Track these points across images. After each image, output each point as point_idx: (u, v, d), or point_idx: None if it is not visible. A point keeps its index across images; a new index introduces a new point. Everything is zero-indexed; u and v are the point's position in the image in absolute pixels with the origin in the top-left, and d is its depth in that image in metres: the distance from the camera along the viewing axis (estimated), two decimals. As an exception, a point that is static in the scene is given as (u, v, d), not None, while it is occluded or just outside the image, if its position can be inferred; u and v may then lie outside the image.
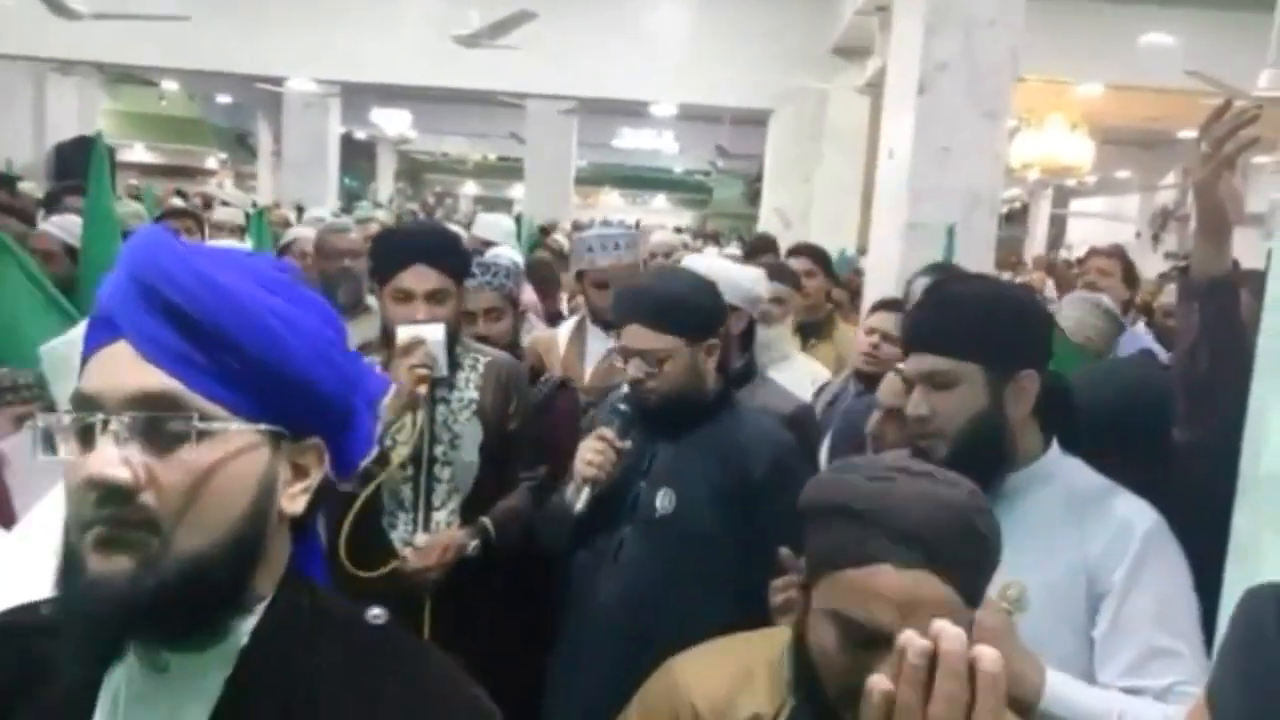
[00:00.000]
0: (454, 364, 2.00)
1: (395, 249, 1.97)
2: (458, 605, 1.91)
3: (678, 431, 1.77)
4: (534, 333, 2.86)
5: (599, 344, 2.52)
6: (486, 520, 1.98)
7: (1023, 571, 1.21)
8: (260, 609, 0.72)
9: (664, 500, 1.72)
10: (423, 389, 1.86)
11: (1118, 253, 3.46)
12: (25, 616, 0.76)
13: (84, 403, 0.67)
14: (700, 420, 1.77)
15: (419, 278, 1.90)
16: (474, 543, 1.94)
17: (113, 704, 0.71)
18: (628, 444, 1.72)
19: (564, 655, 1.85)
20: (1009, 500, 1.28)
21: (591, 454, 1.68)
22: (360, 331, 2.34)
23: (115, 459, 0.64)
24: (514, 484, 2.06)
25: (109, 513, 0.65)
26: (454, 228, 2.77)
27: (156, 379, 0.66)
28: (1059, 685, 1.13)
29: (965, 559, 0.94)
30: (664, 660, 1.20)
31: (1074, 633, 1.23)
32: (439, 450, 1.97)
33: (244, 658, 0.71)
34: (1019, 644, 1.13)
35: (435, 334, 1.88)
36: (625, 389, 1.81)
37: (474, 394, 2.00)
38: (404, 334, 1.87)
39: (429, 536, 1.94)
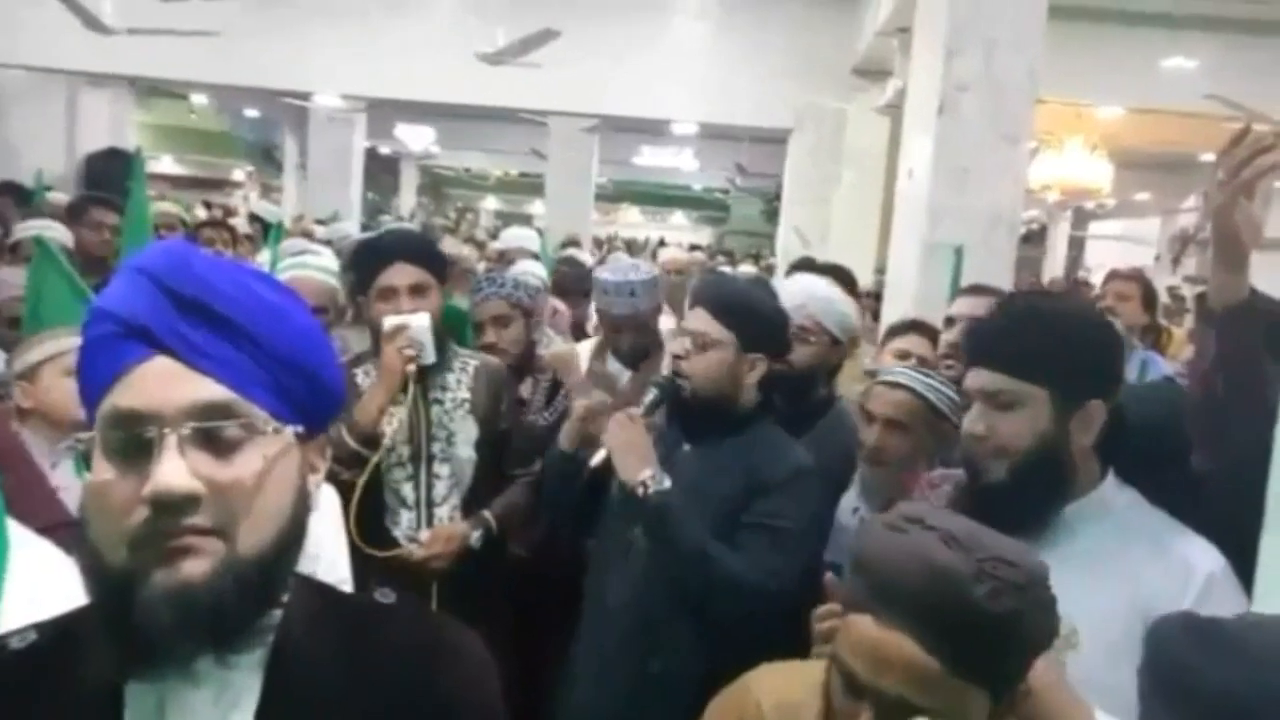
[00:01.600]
0: (444, 365, 2.08)
1: (375, 252, 2.10)
2: (462, 596, 1.97)
3: (704, 436, 1.78)
4: (553, 347, 2.90)
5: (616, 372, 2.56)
6: (488, 513, 2.08)
7: (1076, 608, 1.15)
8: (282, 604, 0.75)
9: None
10: (411, 368, 1.96)
11: (1137, 276, 3.47)
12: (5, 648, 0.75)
13: (133, 419, 0.67)
14: (728, 430, 1.76)
15: (400, 273, 2.02)
16: (476, 534, 2.05)
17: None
18: (652, 420, 1.77)
19: (576, 653, 1.88)
20: (1064, 532, 1.24)
21: (618, 426, 1.72)
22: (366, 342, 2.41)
23: (183, 470, 0.66)
24: (510, 481, 2.17)
25: (173, 524, 0.66)
26: (481, 238, 2.83)
27: (213, 389, 0.69)
28: None
29: (948, 629, 0.86)
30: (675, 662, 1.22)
31: (1129, 674, 1.12)
32: (436, 448, 2.06)
33: (275, 654, 0.73)
34: (1068, 692, 1.08)
35: (420, 320, 1.99)
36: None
37: (465, 394, 2.10)
38: (389, 322, 1.99)
39: (431, 531, 2.03)
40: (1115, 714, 1.06)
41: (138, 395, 0.68)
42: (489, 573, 2.08)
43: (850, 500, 1.96)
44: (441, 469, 2.06)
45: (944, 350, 2.26)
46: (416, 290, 2.02)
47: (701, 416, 1.77)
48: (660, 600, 1.71)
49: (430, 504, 2.05)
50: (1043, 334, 1.24)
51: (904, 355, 2.37)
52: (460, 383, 2.11)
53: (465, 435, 2.08)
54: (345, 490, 1.85)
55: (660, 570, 1.70)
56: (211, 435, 0.68)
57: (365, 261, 2.10)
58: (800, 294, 2.20)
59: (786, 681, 1.11)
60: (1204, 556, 1.20)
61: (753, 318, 1.77)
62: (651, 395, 1.78)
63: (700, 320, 1.76)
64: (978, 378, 1.28)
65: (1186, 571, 1.18)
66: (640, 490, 1.67)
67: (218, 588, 0.66)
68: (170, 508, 0.65)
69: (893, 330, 2.56)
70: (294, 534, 0.73)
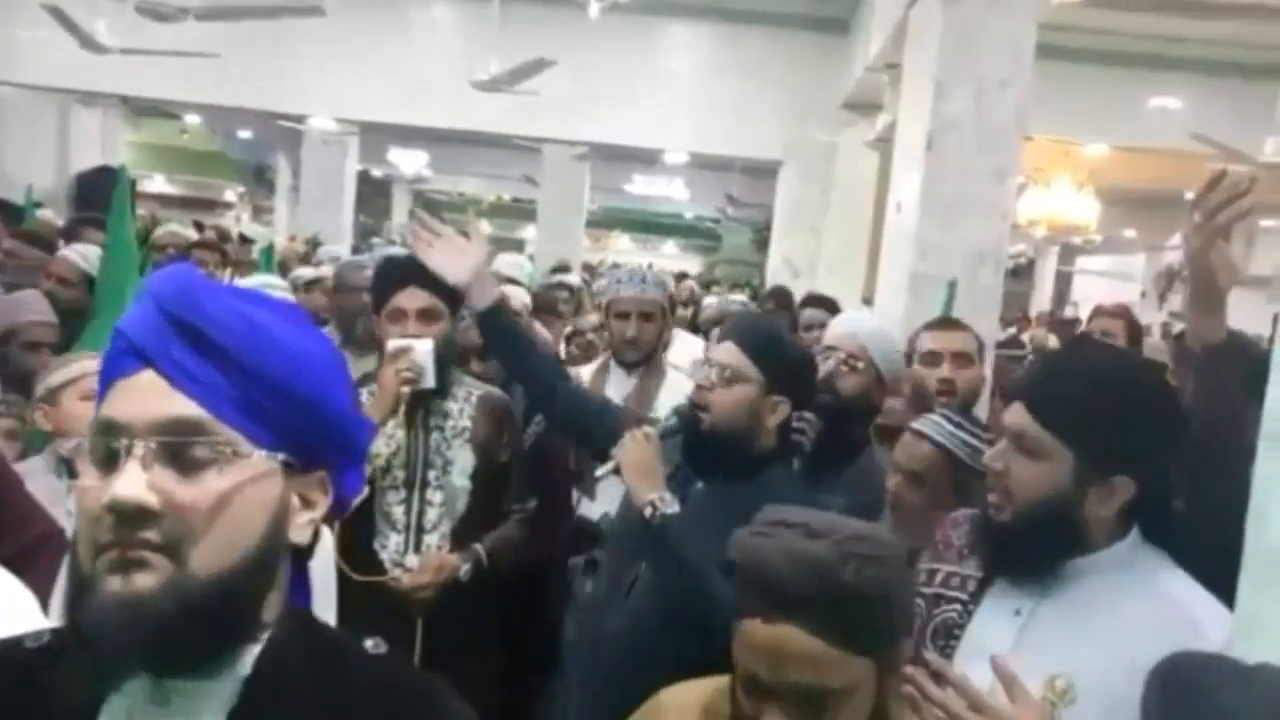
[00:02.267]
0: (447, 392, 2.08)
1: (390, 273, 2.12)
2: (449, 626, 1.97)
3: (716, 473, 1.75)
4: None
5: (619, 387, 2.57)
6: (479, 546, 2.06)
7: (1075, 663, 1.16)
8: (263, 638, 0.73)
9: None
10: (406, 391, 1.96)
11: (1123, 313, 3.49)
12: (20, 646, 0.76)
13: (109, 428, 0.69)
14: (742, 471, 1.71)
15: (411, 297, 2.03)
16: (466, 566, 2.02)
17: None
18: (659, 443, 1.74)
19: (565, 685, 1.86)
20: (1070, 584, 1.22)
21: (632, 443, 1.71)
22: (372, 365, 2.40)
23: (141, 482, 0.66)
24: (504, 515, 2.15)
25: (129, 535, 0.66)
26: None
27: (186, 406, 0.69)
28: None
29: (829, 611, 0.95)
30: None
31: None
32: (431, 475, 2.05)
33: (248, 688, 0.71)
34: None
35: (423, 346, 1.99)
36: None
37: (467, 423, 2.09)
38: (393, 344, 2.01)
39: (420, 558, 2.00)
40: None
41: (118, 406, 0.70)
42: (477, 606, 2.05)
43: None
44: (434, 495, 2.05)
45: (941, 385, 2.25)
46: (425, 315, 2.03)
47: (716, 452, 1.73)
48: (656, 631, 1.69)
49: (420, 529, 2.04)
50: (1091, 398, 1.19)
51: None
52: (462, 412, 2.10)
53: (462, 464, 2.07)
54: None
55: (659, 600, 1.69)
56: (178, 452, 0.68)
57: (380, 283, 2.12)
58: (851, 322, 2.23)
59: (697, 693, 1.16)
60: (1215, 621, 1.16)
61: (783, 359, 1.74)
62: (670, 421, 1.78)
63: (729, 354, 1.73)
64: (1014, 415, 1.25)
65: (1194, 636, 1.14)
66: (648, 511, 1.65)
67: (159, 606, 0.66)
68: (127, 518, 0.66)
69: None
70: (260, 563, 0.71)
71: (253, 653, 0.72)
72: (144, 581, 0.66)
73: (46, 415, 1.86)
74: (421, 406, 2.04)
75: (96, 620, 0.66)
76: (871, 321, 2.30)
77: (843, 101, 8.36)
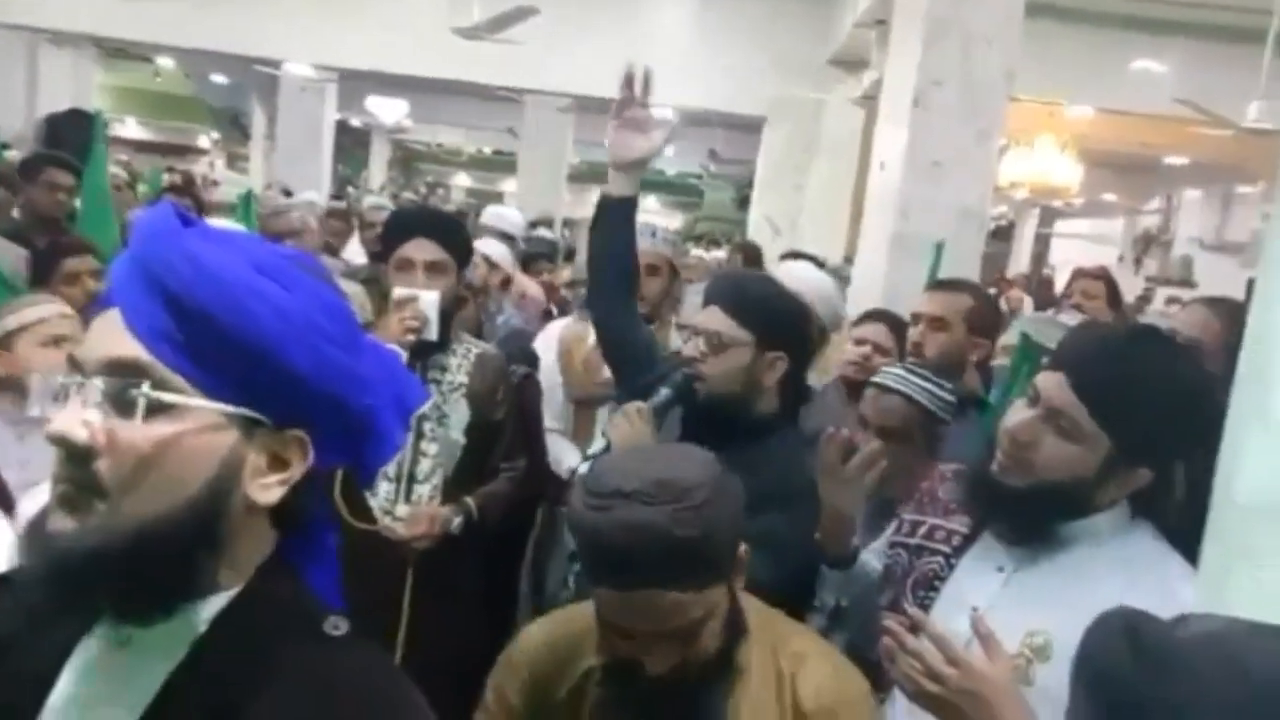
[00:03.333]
0: (447, 347, 2.09)
1: (401, 223, 2.13)
2: (438, 578, 2.00)
3: (719, 442, 1.58)
4: (567, 325, 2.91)
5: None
6: (470, 500, 2.08)
7: (1053, 621, 1.18)
8: (226, 597, 0.72)
9: None
10: (410, 339, 1.97)
11: (1103, 275, 3.51)
12: None
13: (71, 365, 0.70)
14: (750, 437, 1.62)
15: (419, 248, 2.03)
16: (458, 519, 2.04)
17: (74, 672, 0.72)
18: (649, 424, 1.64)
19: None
20: (1054, 545, 1.23)
21: (624, 420, 1.64)
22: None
23: (76, 419, 0.66)
24: (494, 472, 2.17)
25: (70, 472, 0.67)
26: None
27: (130, 349, 0.68)
28: None
29: (678, 568, 1.02)
30: None
31: None
32: (427, 426, 2.06)
33: (196, 646, 0.71)
34: (1018, 704, 1.10)
35: (428, 297, 1.99)
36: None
37: (464, 379, 2.11)
38: (399, 291, 2.01)
39: (410, 507, 2.02)
40: None
41: (82, 343, 0.71)
42: (465, 558, 2.09)
43: None
44: (429, 447, 2.06)
45: (911, 348, 2.27)
46: (433, 268, 2.04)
47: (716, 422, 1.63)
48: None
49: (412, 479, 2.05)
50: (1149, 395, 1.15)
51: (861, 342, 2.41)
52: (460, 367, 2.12)
53: (458, 418, 2.08)
54: None
55: None
56: (120, 394, 0.67)
57: (390, 231, 2.12)
58: (795, 282, 2.16)
59: (555, 624, 1.26)
60: (1191, 590, 1.15)
61: (771, 314, 1.67)
62: (663, 395, 1.67)
63: (713, 319, 1.66)
64: (1059, 389, 1.19)
65: (1173, 601, 1.10)
66: None
67: (77, 546, 0.66)
68: (72, 456, 0.67)
69: (859, 318, 2.59)
70: (199, 517, 0.69)
71: (212, 610, 0.72)
72: (69, 522, 0.67)
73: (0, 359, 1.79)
74: (420, 359, 2.04)
75: (37, 552, 0.68)
76: (812, 278, 2.30)
77: (829, 58, 8.29)
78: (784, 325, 1.69)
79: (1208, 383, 1.20)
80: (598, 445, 1.71)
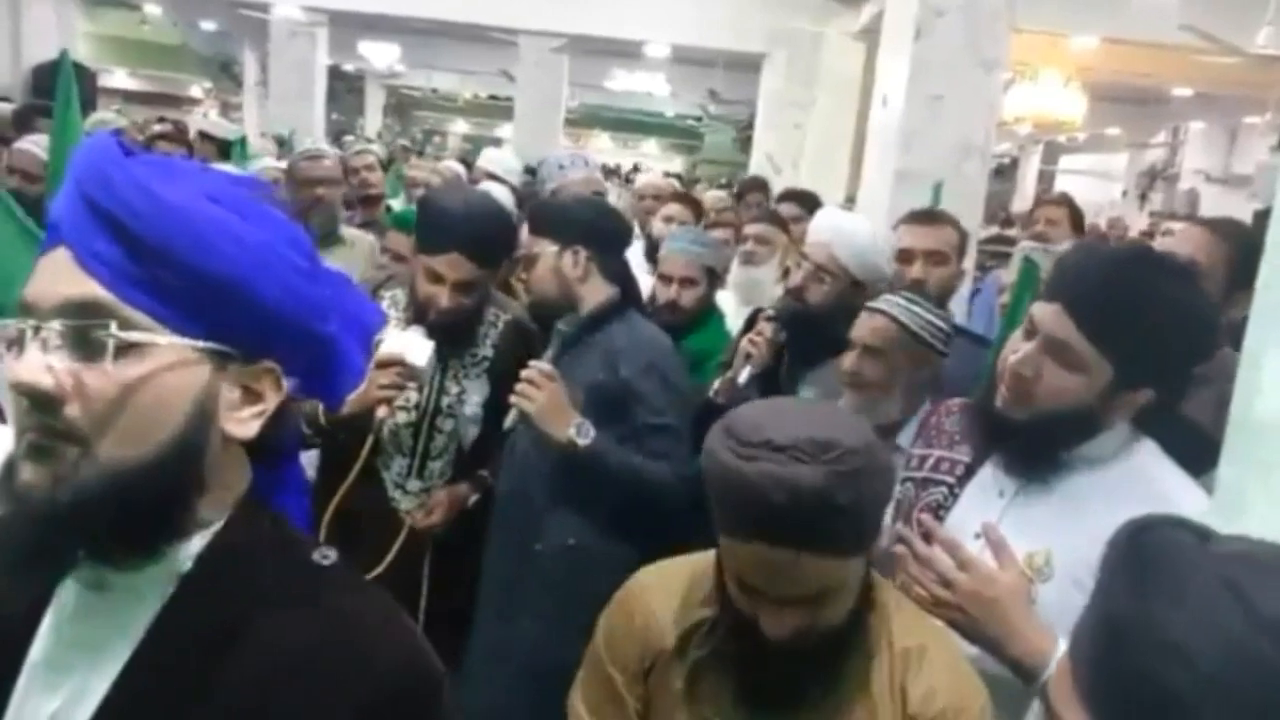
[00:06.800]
0: (475, 338, 2.06)
1: (438, 230, 1.92)
2: (457, 555, 2.00)
3: (565, 336, 1.92)
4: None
5: None
6: (487, 474, 2.07)
7: (1053, 540, 1.19)
8: (209, 533, 0.71)
9: None
10: (383, 411, 1.80)
11: (1066, 201, 3.48)
12: None
13: (23, 309, 0.66)
14: (589, 326, 1.92)
15: (453, 265, 1.91)
16: (475, 496, 2.04)
17: (55, 620, 0.70)
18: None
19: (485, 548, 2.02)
20: (1062, 468, 1.23)
21: (530, 387, 1.79)
22: (334, 263, 2.37)
23: (39, 366, 0.63)
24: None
25: (38, 420, 0.64)
26: (450, 164, 2.76)
27: (88, 288, 0.65)
28: None
29: (826, 534, 0.96)
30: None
31: None
32: (445, 402, 2.02)
33: (184, 582, 0.69)
34: (1029, 611, 1.11)
35: (421, 355, 1.81)
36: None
37: (489, 351, 2.05)
38: (384, 349, 1.80)
39: (422, 483, 2.01)
40: None
41: (32, 285, 0.67)
42: (482, 536, 2.04)
43: None
44: (445, 424, 2.02)
45: (911, 284, 2.22)
46: (462, 287, 1.92)
47: (541, 319, 2.05)
48: (540, 489, 1.87)
49: (426, 455, 2.02)
50: (1146, 318, 1.14)
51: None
52: (486, 339, 2.05)
53: (476, 395, 2.03)
54: (340, 465, 1.83)
55: (538, 463, 1.87)
56: (82, 336, 0.64)
57: (426, 232, 1.95)
58: (826, 230, 2.12)
59: (677, 578, 1.18)
60: (1193, 503, 1.14)
61: (563, 219, 1.98)
62: (555, 342, 1.91)
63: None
64: (1058, 322, 1.18)
65: (1166, 508, 1.16)
66: (572, 446, 1.76)
67: (58, 494, 0.64)
68: (37, 404, 0.64)
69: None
70: (179, 456, 0.67)
71: (196, 546, 0.70)
72: (43, 471, 0.64)
73: None
74: (450, 349, 1.98)
75: (9, 506, 0.65)
76: (846, 225, 2.14)
77: (828, -10, 8.12)
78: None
79: (1201, 297, 1.20)
80: (512, 417, 1.80)
